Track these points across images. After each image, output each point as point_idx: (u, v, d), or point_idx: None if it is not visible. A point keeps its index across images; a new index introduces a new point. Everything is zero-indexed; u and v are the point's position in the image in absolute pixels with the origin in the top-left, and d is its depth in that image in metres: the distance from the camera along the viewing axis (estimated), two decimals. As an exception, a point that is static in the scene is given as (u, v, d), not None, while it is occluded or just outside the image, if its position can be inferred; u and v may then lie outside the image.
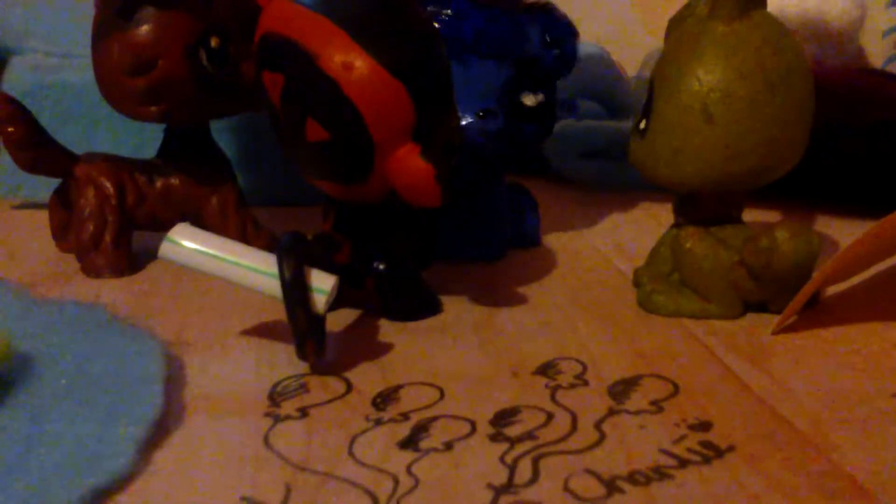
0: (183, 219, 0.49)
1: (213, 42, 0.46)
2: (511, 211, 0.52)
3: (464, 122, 0.46)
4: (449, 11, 0.46)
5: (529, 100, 0.49)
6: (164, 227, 0.50)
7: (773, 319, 0.40)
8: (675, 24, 0.43)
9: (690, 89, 0.40)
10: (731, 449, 0.30)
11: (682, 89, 0.40)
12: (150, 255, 0.50)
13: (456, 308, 0.43)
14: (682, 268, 0.42)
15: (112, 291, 0.45)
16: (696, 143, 0.40)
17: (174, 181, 0.49)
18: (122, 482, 0.27)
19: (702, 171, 0.40)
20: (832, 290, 0.43)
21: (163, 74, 0.45)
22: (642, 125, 0.42)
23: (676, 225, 0.43)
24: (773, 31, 0.40)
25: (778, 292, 0.41)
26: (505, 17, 0.47)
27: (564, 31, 0.49)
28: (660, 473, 0.28)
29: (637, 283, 0.44)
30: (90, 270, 0.47)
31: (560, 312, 0.42)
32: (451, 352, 0.38)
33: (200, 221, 0.50)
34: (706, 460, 0.29)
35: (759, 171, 0.40)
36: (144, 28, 0.45)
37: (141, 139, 0.59)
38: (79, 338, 0.37)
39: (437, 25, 0.44)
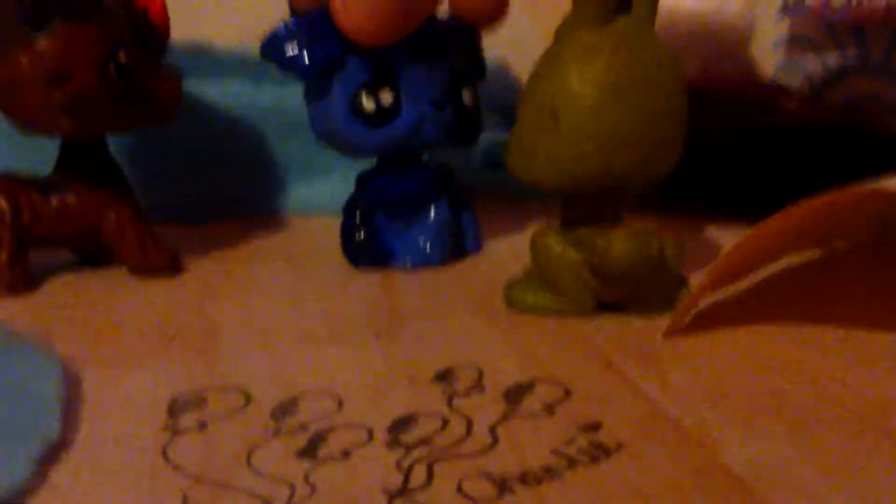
0: (81, 235, 0.49)
1: (122, 56, 0.46)
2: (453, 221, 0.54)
3: (418, 114, 0.49)
4: None
5: (467, 97, 0.52)
6: (62, 243, 0.50)
7: (664, 323, 0.41)
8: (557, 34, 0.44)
9: (542, 92, 0.41)
10: (619, 448, 0.31)
11: (537, 92, 0.42)
12: (47, 272, 0.50)
13: (356, 318, 0.44)
14: (535, 264, 0.44)
15: (8, 309, 0.45)
16: (545, 144, 0.41)
17: (70, 197, 0.49)
18: (18, 499, 0.27)
19: (551, 171, 0.42)
20: (720, 293, 0.45)
21: (79, 87, 0.44)
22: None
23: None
24: (631, 37, 0.41)
25: (627, 294, 0.43)
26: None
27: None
28: (550, 473, 0.29)
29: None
30: (-15, 289, 0.46)
31: (460, 320, 0.43)
32: (350, 361, 0.38)
33: (99, 237, 0.49)
34: (595, 459, 0.30)
35: (607, 174, 0.41)
36: (58, 39, 0.44)
37: (36, 158, 0.57)
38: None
39: None
